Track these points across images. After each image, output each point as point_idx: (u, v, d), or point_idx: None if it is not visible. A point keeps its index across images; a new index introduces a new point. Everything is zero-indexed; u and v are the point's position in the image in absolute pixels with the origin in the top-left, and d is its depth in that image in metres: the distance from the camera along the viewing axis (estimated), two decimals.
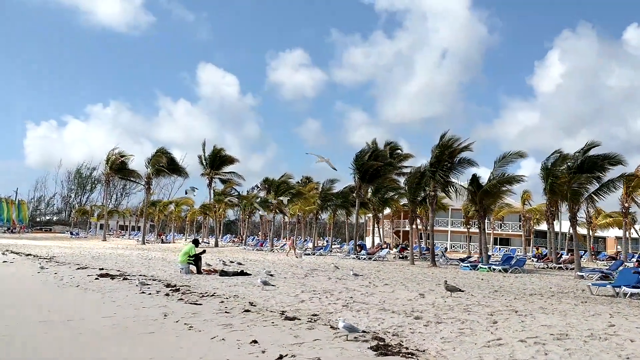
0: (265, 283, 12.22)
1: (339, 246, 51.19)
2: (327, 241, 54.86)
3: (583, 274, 24.28)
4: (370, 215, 54.57)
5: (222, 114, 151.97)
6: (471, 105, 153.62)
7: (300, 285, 13.37)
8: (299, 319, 8.83)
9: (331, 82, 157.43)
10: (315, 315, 9.26)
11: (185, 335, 7.87)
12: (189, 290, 12.81)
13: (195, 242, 18.42)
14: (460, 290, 12.68)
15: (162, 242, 58.81)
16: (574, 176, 25.70)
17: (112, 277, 16.08)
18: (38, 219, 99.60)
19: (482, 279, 20.87)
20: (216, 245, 50.57)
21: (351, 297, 11.14)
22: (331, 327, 8.24)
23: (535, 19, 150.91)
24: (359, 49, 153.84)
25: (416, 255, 36.21)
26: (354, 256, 36.30)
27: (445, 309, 10.19)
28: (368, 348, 6.88)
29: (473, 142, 28.79)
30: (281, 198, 44.69)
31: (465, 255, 42.78)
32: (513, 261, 28.24)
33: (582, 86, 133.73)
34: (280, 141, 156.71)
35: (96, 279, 15.64)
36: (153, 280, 15.23)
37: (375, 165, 35.85)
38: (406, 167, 47.87)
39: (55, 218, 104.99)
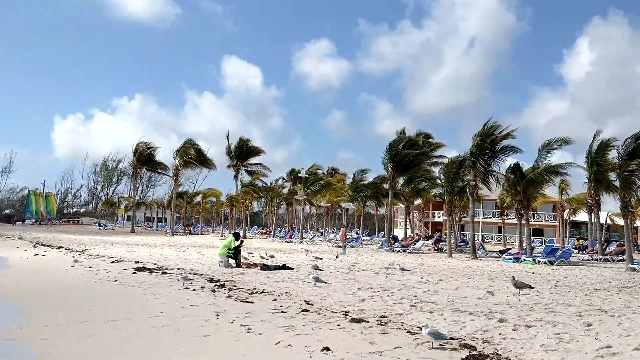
0: (317, 279, 11.33)
1: (368, 238, 50.16)
2: (356, 233, 53.84)
3: (635, 266, 22.98)
4: (400, 205, 53.47)
5: (246, 107, 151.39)
6: (499, 95, 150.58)
7: (353, 282, 12.44)
8: (367, 321, 7.91)
9: (357, 72, 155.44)
10: (384, 317, 8.32)
11: (245, 339, 7.02)
12: (235, 286, 11.98)
13: (236, 236, 17.62)
14: (529, 287, 11.64)
15: (190, 233, 58.48)
16: (624, 163, 24.32)
17: (150, 271, 15.39)
18: (65, 211, 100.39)
19: (532, 273, 19.72)
20: (244, 237, 49.92)
21: (415, 296, 10.18)
22: (408, 331, 7.31)
23: (565, 6, 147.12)
24: (386, 38, 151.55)
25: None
26: (388, 248, 35.30)
27: (525, 309, 9.18)
28: (462, 359, 5.94)
29: (516, 128, 27.56)
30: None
31: (500, 247, 41.54)
32: (558, 253, 26.99)
33: (612, 74, 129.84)
34: (304, 133, 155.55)
35: (134, 272, 14.97)
36: (194, 274, 14.48)
37: (410, 154, 34.70)
38: (438, 156, 46.50)
39: (82, 210, 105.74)
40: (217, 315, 8.61)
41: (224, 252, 16.89)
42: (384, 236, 55.96)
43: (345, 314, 8.53)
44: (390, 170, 35.76)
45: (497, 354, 6.21)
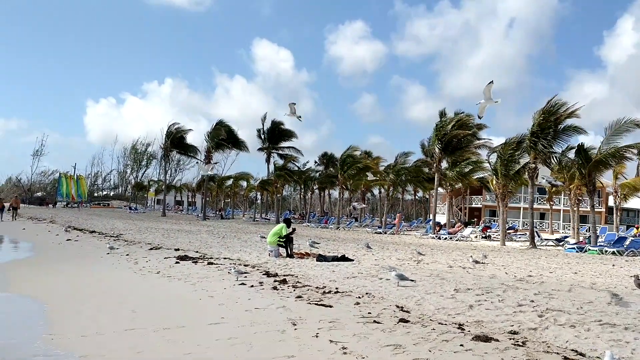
0: (401, 277, 9.47)
1: (407, 224, 48.11)
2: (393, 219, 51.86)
3: None
4: (439, 190, 51.30)
5: (277, 91, 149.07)
6: (538, 78, 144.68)
7: (439, 280, 10.52)
8: (497, 340, 6.03)
9: (391, 55, 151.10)
10: (515, 332, 6.41)
11: None
12: (299, 282, 10.21)
13: (287, 222, 15.81)
14: None
15: (222, 217, 57.22)
16: None
17: (194, 260, 13.77)
18: (95, 194, 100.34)
19: (612, 265, 17.57)
20: (278, 221, 48.40)
21: (532, 301, 8.24)
22: (565, 357, 5.42)
23: None
24: (424, 20, 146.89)
25: (496, 234, 33.15)
26: (433, 236, 33.34)
27: None
28: None
29: (581, 106, 25.09)
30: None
31: (546, 234, 39.22)
32: (627, 242, 24.71)
33: None
34: (334, 117, 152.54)
35: (176, 262, 13.39)
36: (245, 265, 12.78)
37: (461, 134, 32.43)
38: (482, 139, 43.95)
39: (112, 193, 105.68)
40: (294, 324, 6.84)
41: (274, 240, 15.15)
42: (422, 222, 53.98)
43: (460, 327, 6.65)
44: (437, 152, 33.58)
45: None
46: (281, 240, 15.13)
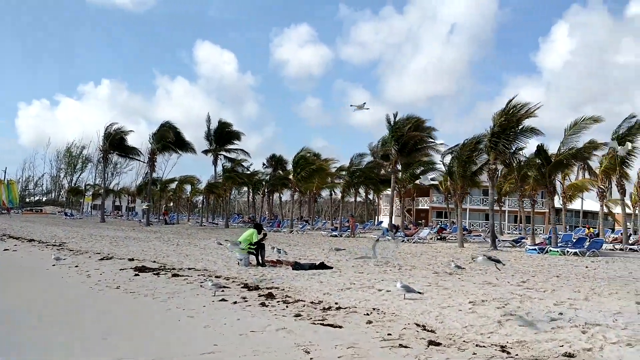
0: (407, 289, 8.47)
1: (361, 227, 47.46)
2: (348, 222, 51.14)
3: None
4: (388, 192, 51.08)
5: (221, 93, 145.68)
6: (477, 83, 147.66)
7: (444, 290, 9.58)
8: None
9: (337, 59, 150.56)
10: (571, 355, 5.53)
11: None
12: (287, 296, 9.05)
13: (258, 227, 14.57)
14: None
15: (165, 223, 54.77)
16: None
17: (155, 272, 12.38)
18: (27, 200, 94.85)
19: (586, 267, 17.34)
20: (227, 226, 46.85)
21: (560, 314, 7.42)
22: None
23: None
24: (368, 24, 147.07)
25: (453, 236, 33.04)
26: (391, 238, 32.74)
27: None
28: None
29: (540, 105, 24.96)
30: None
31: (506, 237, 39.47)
32: (586, 243, 24.82)
33: (591, 62, 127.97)
34: (279, 120, 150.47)
35: (135, 275, 11.97)
36: (217, 277, 11.48)
37: (418, 136, 32.02)
38: (434, 142, 43.76)
39: (44, 199, 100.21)
40: (307, 352, 5.73)
41: (244, 247, 13.89)
42: (373, 224, 53.51)
43: (503, 349, 5.73)
44: (394, 153, 33.06)
45: None
46: (252, 247, 13.89)
